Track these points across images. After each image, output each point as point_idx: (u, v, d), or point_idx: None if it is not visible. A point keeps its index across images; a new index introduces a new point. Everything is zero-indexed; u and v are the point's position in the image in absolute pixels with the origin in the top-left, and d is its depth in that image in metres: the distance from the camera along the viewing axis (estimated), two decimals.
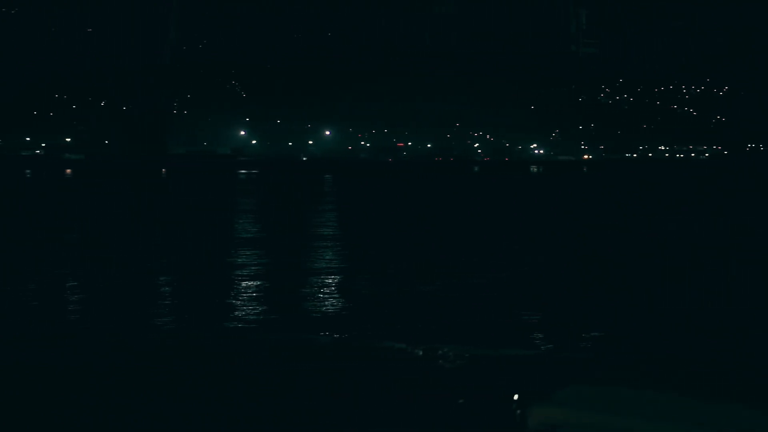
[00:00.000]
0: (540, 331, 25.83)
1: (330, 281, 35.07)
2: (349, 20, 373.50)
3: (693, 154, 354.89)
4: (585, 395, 8.57)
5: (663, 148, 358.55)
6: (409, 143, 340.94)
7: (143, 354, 11.08)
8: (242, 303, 30.11)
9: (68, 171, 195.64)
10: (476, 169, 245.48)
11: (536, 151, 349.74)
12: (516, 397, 8.77)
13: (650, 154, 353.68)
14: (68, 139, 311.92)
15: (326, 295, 31.85)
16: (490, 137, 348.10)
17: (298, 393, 9.64)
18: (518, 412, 8.65)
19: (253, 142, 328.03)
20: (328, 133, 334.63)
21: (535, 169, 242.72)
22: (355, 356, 10.40)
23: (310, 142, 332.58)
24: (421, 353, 9.92)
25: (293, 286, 33.75)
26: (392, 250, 45.59)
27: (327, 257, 42.67)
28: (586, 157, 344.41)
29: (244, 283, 34.35)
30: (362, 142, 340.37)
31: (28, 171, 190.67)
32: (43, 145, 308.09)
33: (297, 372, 10.26)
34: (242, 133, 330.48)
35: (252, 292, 32.38)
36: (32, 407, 9.38)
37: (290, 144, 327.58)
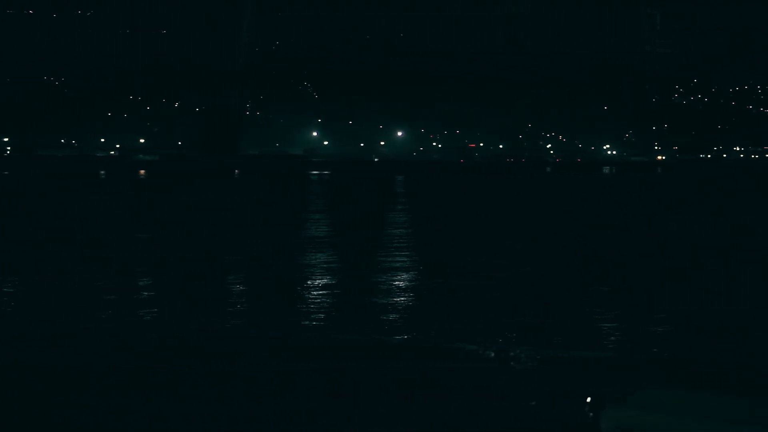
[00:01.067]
0: (612, 333, 25.64)
1: (397, 281, 35.04)
2: (421, 22, 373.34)
3: None
4: (662, 398, 8.46)
5: (738, 148, 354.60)
6: (481, 144, 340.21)
7: (212, 355, 11.09)
8: (313, 302, 30.16)
9: (142, 172, 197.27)
10: (548, 169, 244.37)
11: (609, 152, 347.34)
12: (589, 399, 8.70)
13: (725, 155, 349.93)
14: (142, 140, 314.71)
15: (394, 294, 31.82)
16: (563, 138, 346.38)
17: (383, 395, 9.63)
18: (592, 414, 8.58)
19: (325, 143, 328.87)
20: (399, 133, 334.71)
21: (608, 170, 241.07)
22: (426, 357, 10.38)
23: (382, 143, 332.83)
24: (492, 354, 9.86)
25: (363, 286, 33.75)
26: (462, 250, 45.44)
27: (398, 257, 42.65)
28: (659, 158, 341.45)
29: (315, 281, 34.41)
30: (434, 143, 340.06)
31: (102, 172, 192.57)
32: (118, 146, 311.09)
33: (373, 372, 10.25)
34: (314, 133, 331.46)
35: (321, 292, 32.42)
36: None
37: (362, 145, 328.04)
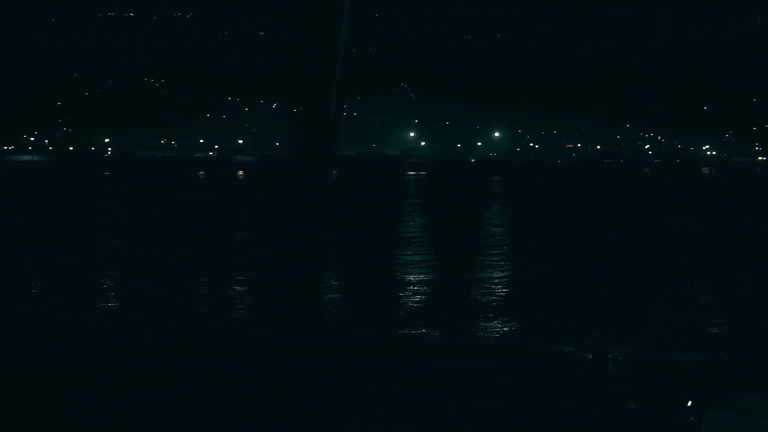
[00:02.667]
0: (717, 337, 25.35)
1: (497, 281, 34.92)
2: (518, 23, 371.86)
3: None
4: (763, 403, 8.29)
5: None
6: (579, 144, 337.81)
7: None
8: (412, 301, 30.17)
9: (240, 173, 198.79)
10: (646, 170, 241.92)
11: (708, 153, 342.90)
12: (690, 403, 8.57)
13: None
14: (240, 141, 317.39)
15: (489, 294, 31.72)
16: (661, 138, 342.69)
17: (478, 400, 9.60)
18: (692, 418, 8.46)
19: (422, 143, 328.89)
20: (497, 134, 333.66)
21: (707, 171, 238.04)
22: (525, 359, 10.32)
23: (479, 144, 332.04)
24: (590, 357, 9.74)
25: (454, 286, 33.70)
26: (567, 251, 45.19)
27: (493, 258, 42.52)
28: (760, 158, 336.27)
29: (411, 277, 34.44)
30: (531, 144, 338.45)
31: (201, 172, 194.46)
32: (216, 147, 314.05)
33: (469, 373, 10.21)
34: (411, 134, 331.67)
35: (419, 289, 32.43)
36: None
37: (458, 145, 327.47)
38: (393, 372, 10.48)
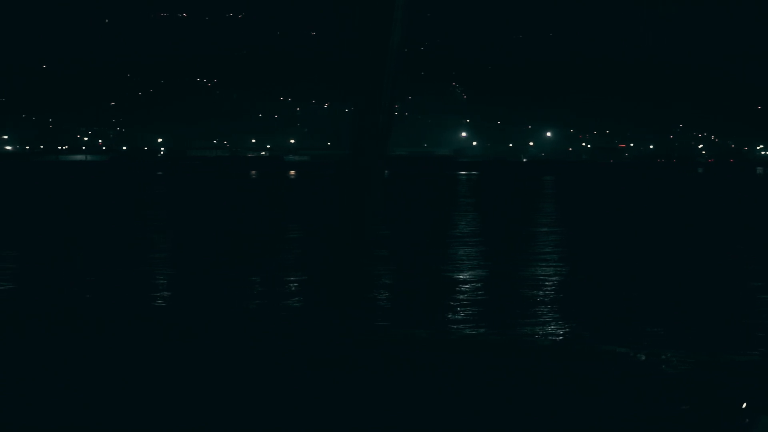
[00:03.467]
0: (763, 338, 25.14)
1: (547, 282, 34.84)
2: (572, 24, 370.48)
3: None
4: None
5: None
6: (631, 144, 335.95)
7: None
8: (464, 299, 30.16)
9: (292, 172, 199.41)
10: (700, 170, 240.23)
11: (763, 152, 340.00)
12: (744, 405, 8.53)
13: None
14: (292, 141, 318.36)
15: (539, 294, 31.64)
16: (715, 138, 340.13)
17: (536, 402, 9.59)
18: (747, 421, 8.41)
19: (474, 143, 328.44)
20: (548, 134, 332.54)
21: (761, 171, 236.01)
22: (577, 360, 10.31)
23: (531, 143, 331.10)
24: (643, 358, 9.75)
25: (507, 286, 33.62)
26: (616, 252, 44.99)
27: (546, 260, 42.41)
28: None
29: (464, 275, 34.42)
30: (583, 144, 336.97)
31: (253, 172, 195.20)
32: (268, 146, 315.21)
33: (522, 374, 10.20)
34: (463, 134, 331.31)
35: (473, 288, 32.40)
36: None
37: (510, 145, 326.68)
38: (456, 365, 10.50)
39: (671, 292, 32.59)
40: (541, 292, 32.36)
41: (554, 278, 35.93)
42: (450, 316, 27.86)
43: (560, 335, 24.98)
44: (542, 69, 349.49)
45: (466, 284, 34.20)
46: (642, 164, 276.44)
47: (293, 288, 33.61)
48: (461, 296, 31.50)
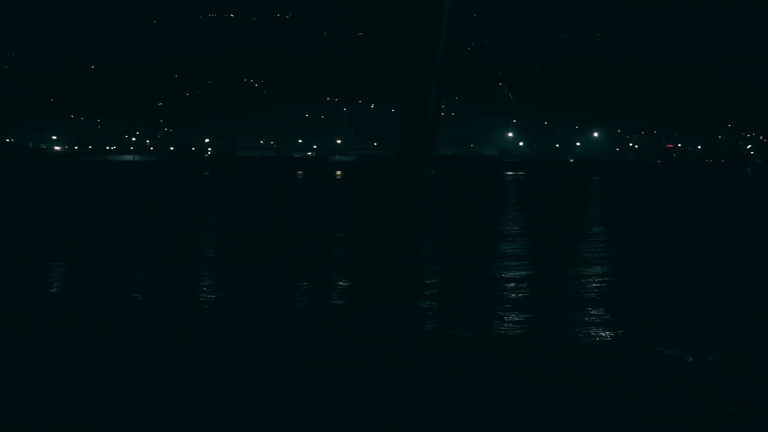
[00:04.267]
0: None
1: (595, 283, 34.72)
2: (618, 24, 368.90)
3: None
4: None
5: None
6: (679, 145, 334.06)
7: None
8: (509, 298, 30.12)
9: (338, 173, 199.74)
10: (748, 170, 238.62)
11: None
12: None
13: None
14: (339, 141, 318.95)
15: (588, 292, 31.55)
16: (763, 138, 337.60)
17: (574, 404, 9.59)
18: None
19: (520, 143, 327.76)
20: (595, 134, 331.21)
21: None
22: (627, 362, 10.28)
23: (578, 144, 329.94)
24: (691, 359, 9.72)
25: (551, 287, 33.54)
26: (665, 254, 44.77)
27: (595, 257, 42.27)
28: None
29: (510, 274, 34.34)
30: (630, 144, 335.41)
31: (299, 172, 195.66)
32: (315, 147, 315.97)
33: (572, 377, 10.20)
34: (509, 134, 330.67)
35: (517, 288, 32.36)
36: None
37: (557, 145, 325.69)
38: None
39: (716, 292, 32.43)
40: (584, 292, 32.27)
41: (598, 278, 35.82)
42: (495, 315, 27.83)
43: (605, 336, 24.92)
44: (590, 68, 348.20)
45: (511, 283, 34.17)
46: (690, 164, 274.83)
47: (327, 289, 33.69)
48: (506, 295, 31.47)
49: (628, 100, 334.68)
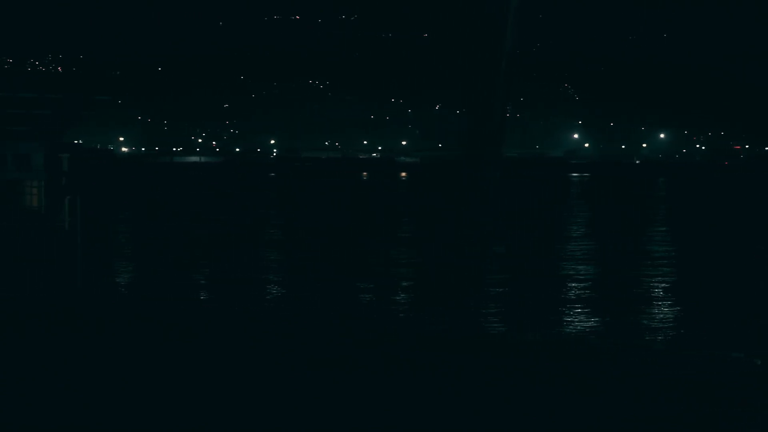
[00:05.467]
0: None
1: (653, 283, 34.66)
2: (684, 24, 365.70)
3: None
4: None
5: None
6: (746, 146, 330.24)
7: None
8: (577, 300, 30.17)
9: (403, 174, 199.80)
10: None
11: None
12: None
13: None
14: (404, 142, 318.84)
15: (644, 293, 31.50)
16: None
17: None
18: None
19: (586, 145, 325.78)
20: (662, 136, 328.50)
21: None
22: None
23: (644, 145, 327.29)
24: (759, 362, 9.84)
25: (615, 286, 33.53)
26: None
27: (664, 260, 42.15)
28: None
29: (574, 274, 34.34)
30: (697, 145, 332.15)
31: (364, 173, 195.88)
32: (380, 148, 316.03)
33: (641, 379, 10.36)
34: (575, 135, 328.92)
35: (583, 288, 32.37)
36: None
37: (623, 147, 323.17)
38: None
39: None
40: (645, 292, 32.26)
41: (659, 279, 35.76)
42: (561, 315, 27.92)
43: (666, 338, 24.94)
44: (656, 70, 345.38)
45: (576, 283, 34.22)
46: (757, 166, 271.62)
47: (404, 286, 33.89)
48: (572, 295, 31.53)
49: (695, 101, 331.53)
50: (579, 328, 26.65)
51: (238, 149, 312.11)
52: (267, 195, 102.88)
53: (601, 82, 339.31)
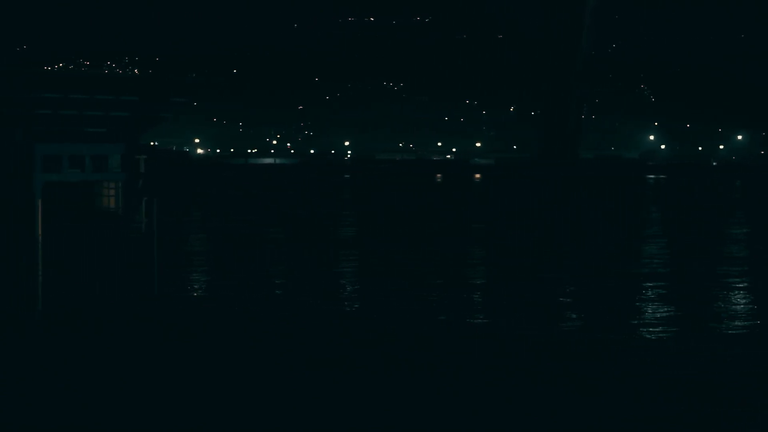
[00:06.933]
0: None
1: (733, 284, 34.28)
2: (762, 22, 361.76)
3: None
4: None
5: None
6: None
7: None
8: (652, 302, 29.89)
9: (477, 176, 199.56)
10: None
11: None
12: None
13: None
14: (478, 144, 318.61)
15: (722, 294, 31.17)
16: None
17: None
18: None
19: (662, 146, 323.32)
20: (739, 137, 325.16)
21: None
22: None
23: (721, 147, 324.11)
24: None
25: (693, 288, 33.20)
26: None
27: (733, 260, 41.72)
28: None
29: (650, 274, 34.05)
30: None
31: (438, 175, 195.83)
32: (454, 149, 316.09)
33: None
34: (651, 137, 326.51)
35: (659, 287, 32.09)
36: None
37: (699, 148, 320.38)
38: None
39: None
40: (724, 293, 31.90)
41: (737, 279, 35.38)
42: (637, 316, 27.68)
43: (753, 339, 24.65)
44: (733, 71, 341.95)
45: (651, 284, 33.92)
46: None
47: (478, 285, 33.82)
48: (648, 295, 31.26)
49: None
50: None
51: (312, 151, 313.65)
52: (341, 197, 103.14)
53: (678, 83, 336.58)
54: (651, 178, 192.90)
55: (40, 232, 30.00)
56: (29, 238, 29.81)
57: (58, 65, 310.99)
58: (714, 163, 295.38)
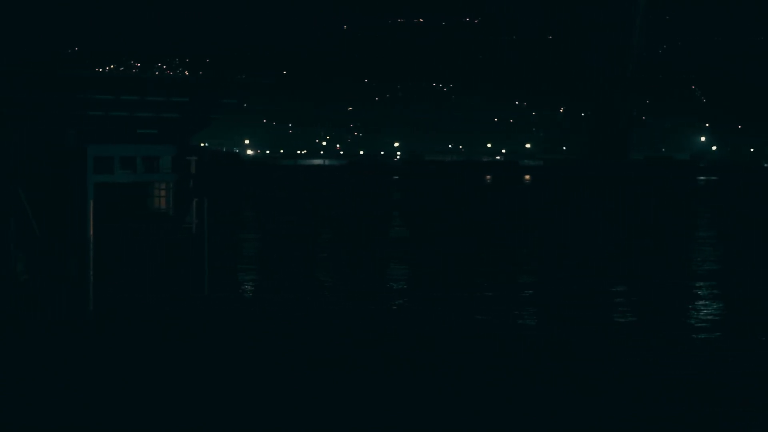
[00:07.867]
0: None
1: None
2: None
3: None
4: None
5: None
6: None
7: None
8: (704, 306, 29.79)
9: (527, 177, 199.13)
10: None
11: None
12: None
13: None
14: (528, 145, 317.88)
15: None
16: None
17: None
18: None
19: (713, 148, 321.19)
20: None
21: None
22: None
23: None
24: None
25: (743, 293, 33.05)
26: None
27: None
28: None
29: (700, 275, 33.92)
30: None
31: (488, 176, 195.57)
32: (503, 151, 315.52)
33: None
34: (702, 138, 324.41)
35: (710, 286, 31.99)
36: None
37: (751, 150, 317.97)
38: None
39: None
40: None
41: None
42: (686, 319, 27.63)
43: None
44: None
45: (702, 285, 33.82)
46: None
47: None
48: (700, 296, 31.18)
49: None
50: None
51: (361, 152, 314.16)
52: (390, 198, 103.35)
53: (729, 85, 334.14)
54: (702, 179, 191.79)
55: (91, 233, 30.24)
56: (82, 239, 30.05)
57: (109, 67, 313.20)
58: (765, 165, 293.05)
